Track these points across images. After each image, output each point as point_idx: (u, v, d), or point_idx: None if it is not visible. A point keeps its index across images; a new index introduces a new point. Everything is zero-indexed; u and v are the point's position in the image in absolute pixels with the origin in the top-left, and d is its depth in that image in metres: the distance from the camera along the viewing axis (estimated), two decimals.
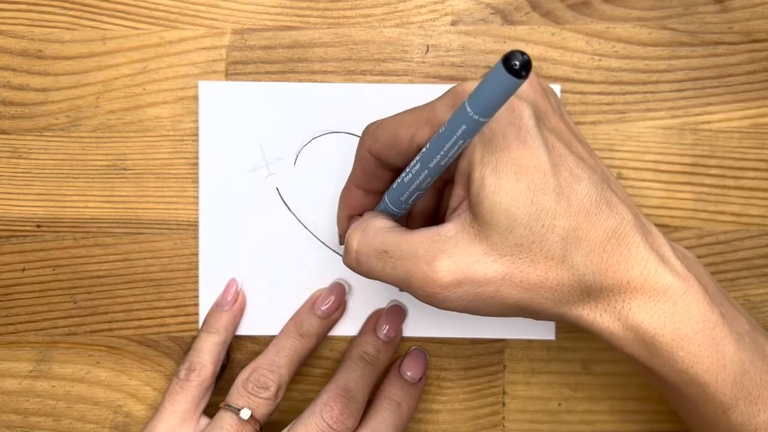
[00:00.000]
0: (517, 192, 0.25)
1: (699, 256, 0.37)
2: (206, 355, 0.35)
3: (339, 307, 0.37)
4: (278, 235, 0.37)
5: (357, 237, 0.29)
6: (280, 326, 0.37)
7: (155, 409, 0.35)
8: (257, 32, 0.37)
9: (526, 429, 0.38)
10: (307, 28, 0.37)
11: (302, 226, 0.37)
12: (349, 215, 0.33)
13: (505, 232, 0.26)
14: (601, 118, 0.37)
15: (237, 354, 0.38)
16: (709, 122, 0.37)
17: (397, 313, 0.37)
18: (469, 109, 0.24)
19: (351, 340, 0.37)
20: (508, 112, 0.26)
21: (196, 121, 0.37)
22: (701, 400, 0.27)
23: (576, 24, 0.37)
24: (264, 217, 0.37)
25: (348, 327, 0.38)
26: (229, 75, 0.37)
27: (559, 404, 0.38)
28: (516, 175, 0.26)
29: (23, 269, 0.38)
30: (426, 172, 0.27)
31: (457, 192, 0.28)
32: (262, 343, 0.38)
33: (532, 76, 0.28)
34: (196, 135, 0.37)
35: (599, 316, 0.26)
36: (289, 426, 0.33)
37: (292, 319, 0.37)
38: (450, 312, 0.27)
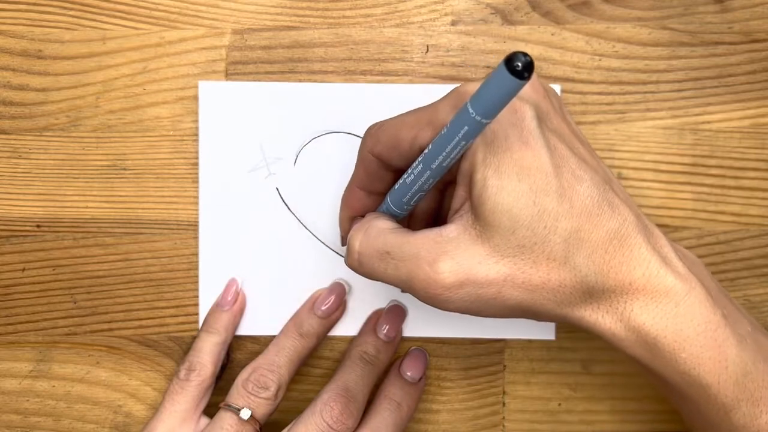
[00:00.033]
0: (519, 193, 0.25)
1: (699, 256, 0.36)
2: (206, 355, 0.35)
3: (339, 307, 0.37)
4: (278, 235, 0.37)
5: (359, 238, 0.29)
6: (280, 326, 0.37)
7: (155, 409, 0.35)
8: (257, 32, 0.37)
9: (526, 429, 0.37)
10: (307, 28, 0.37)
11: (302, 226, 0.37)
12: (351, 216, 0.33)
13: (507, 234, 0.25)
14: (601, 118, 0.37)
15: (237, 354, 0.37)
16: (709, 122, 0.37)
17: (397, 313, 0.37)
18: (471, 111, 0.24)
19: (351, 340, 0.37)
20: (510, 113, 0.26)
21: (196, 121, 0.37)
22: (703, 401, 0.26)
23: (576, 24, 0.37)
24: (264, 217, 0.37)
25: (348, 327, 0.37)
26: (229, 75, 0.37)
27: (559, 404, 0.37)
28: (518, 176, 0.25)
29: (23, 269, 0.37)
30: (428, 173, 0.27)
31: (459, 193, 0.28)
32: (262, 343, 0.37)
33: (533, 77, 0.27)
34: (196, 135, 0.37)
35: (601, 318, 0.26)
36: (289, 426, 0.33)
37: (292, 319, 0.37)
38: (450, 312, 0.27)
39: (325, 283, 0.37)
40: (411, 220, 0.33)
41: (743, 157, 0.37)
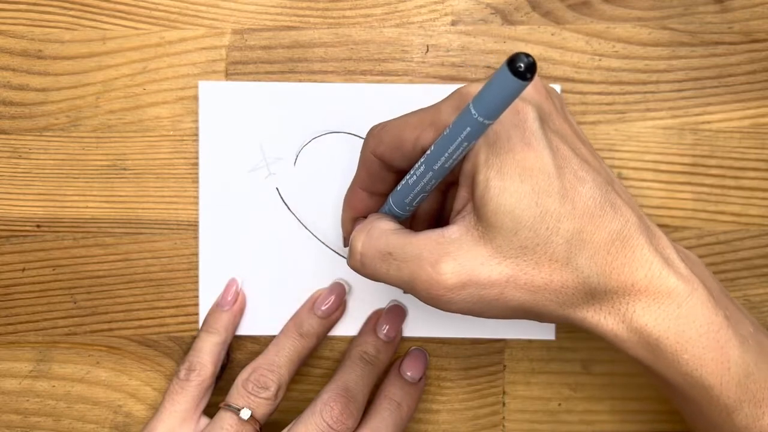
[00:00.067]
0: (521, 194, 0.25)
1: (699, 256, 0.36)
2: (206, 355, 0.35)
3: (339, 307, 0.36)
4: (278, 235, 0.37)
5: (361, 239, 0.29)
6: (280, 326, 0.36)
7: (155, 409, 0.34)
8: (257, 32, 0.37)
9: (526, 429, 0.37)
10: (307, 28, 0.37)
11: (302, 226, 0.37)
12: (353, 217, 0.33)
13: (509, 235, 0.25)
14: (601, 118, 0.36)
15: (237, 354, 0.37)
16: (709, 122, 0.36)
17: (397, 313, 0.36)
18: (473, 112, 0.23)
19: (351, 340, 0.37)
20: (512, 114, 0.26)
21: (196, 121, 0.36)
22: (705, 402, 0.26)
23: (576, 24, 0.36)
24: (264, 217, 0.37)
25: (348, 327, 0.37)
26: (229, 75, 0.36)
27: (559, 404, 0.37)
28: (520, 177, 0.25)
29: (23, 269, 0.37)
30: (430, 174, 0.27)
31: (462, 194, 0.27)
32: (262, 343, 0.37)
33: (536, 78, 0.27)
34: (196, 135, 0.37)
35: (603, 319, 0.26)
36: (289, 426, 0.33)
37: (292, 319, 0.36)
38: (452, 313, 0.27)
39: (325, 283, 0.37)
40: (413, 221, 0.33)
41: (743, 157, 0.36)
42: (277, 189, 0.37)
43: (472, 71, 0.37)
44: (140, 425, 0.37)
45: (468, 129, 0.24)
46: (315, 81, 0.37)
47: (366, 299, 0.37)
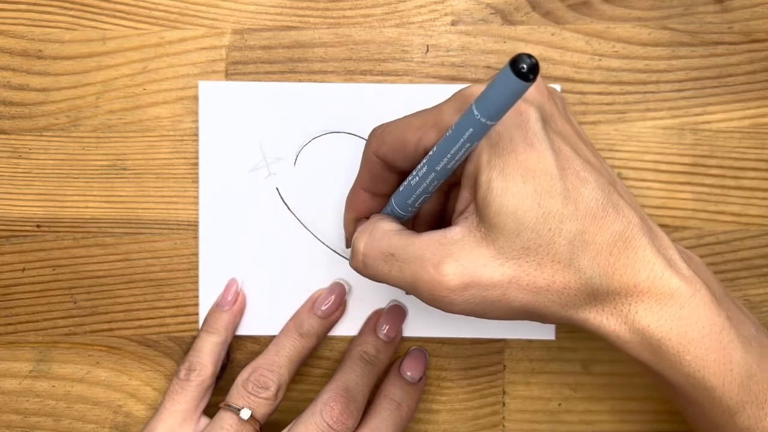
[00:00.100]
0: (524, 195, 0.25)
1: (699, 256, 0.35)
2: (206, 355, 0.34)
3: (339, 307, 0.36)
4: (278, 235, 0.36)
5: (364, 240, 0.28)
6: (280, 326, 0.36)
7: (155, 409, 0.34)
8: (257, 32, 0.36)
9: (526, 429, 0.37)
10: (307, 28, 0.36)
11: (302, 226, 0.36)
12: (355, 218, 0.32)
13: (512, 236, 0.25)
14: (601, 118, 0.36)
15: (237, 354, 0.37)
16: (709, 122, 0.36)
17: (397, 313, 0.36)
18: (476, 112, 0.23)
19: (351, 340, 0.36)
20: (515, 115, 0.26)
21: (196, 121, 0.36)
22: (708, 404, 0.26)
23: (576, 24, 0.36)
24: (264, 217, 0.36)
25: (348, 327, 0.36)
26: (229, 75, 0.36)
27: (559, 404, 0.36)
28: (523, 178, 0.25)
29: (23, 269, 0.36)
30: (433, 175, 0.27)
31: (464, 195, 0.27)
32: (262, 343, 0.36)
33: (538, 79, 0.27)
34: (196, 135, 0.36)
35: (606, 320, 0.26)
36: (289, 426, 0.32)
37: (292, 319, 0.36)
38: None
39: (325, 283, 0.36)
40: (415, 222, 0.32)
41: (743, 157, 0.36)
42: (277, 189, 0.36)
43: (472, 71, 0.36)
44: (140, 425, 0.37)
45: (470, 130, 0.24)
46: (315, 81, 0.36)
47: (366, 299, 0.36)
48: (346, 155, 0.36)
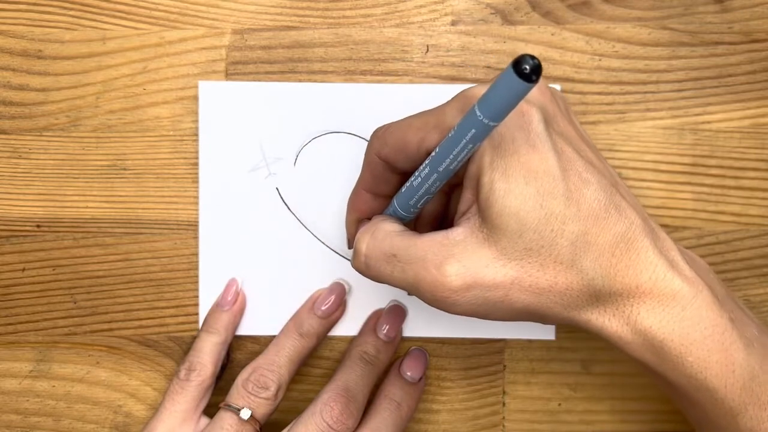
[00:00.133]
0: (526, 196, 0.24)
1: (699, 256, 0.35)
2: (206, 355, 0.34)
3: (339, 307, 0.36)
4: (278, 235, 0.36)
5: (366, 241, 0.28)
6: (280, 326, 0.36)
7: (155, 409, 0.34)
8: (257, 32, 0.36)
9: (526, 429, 0.36)
10: (307, 28, 0.36)
11: (302, 226, 0.36)
12: (357, 219, 0.32)
13: (514, 237, 0.25)
14: (601, 118, 0.35)
15: (237, 354, 0.36)
16: (709, 122, 0.35)
17: (397, 313, 0.36)
18: (478, 113, 0.23)
19: (351, 340, 0.36)
20: (517, 116, 0.25)
21: (196, 121, 0.36)
22: (710, 405, 0.25)
23: (576, 24, 0.35)
24: (264, 217, 0.36)
25: (348, 327, 0.36)
26: (229, 75, 0.36)
27: (559, 404, 0.36)
28: (525, 179, 0.25)
29: (23, 269, 0.36)
30: (435, 176, 0.26)
31: (466, 196, 0.27)
32: (262, 343, 0.36)
33: (540, 80, 0.26)
34: (196, 135, 0.36)
35: (608, 321, 0.25)
36: (289, 426, 0.32)
37: (292, 319, 0.36)
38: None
39: (325, 283, 0.36)
40: (417, 223, 0.32)
41: (743, 157, 0.35)
42: (277, 189, 0.36)
43: (472, 71, 0.36)
44: (140, 425, 0.36)
45: (473, 131, 0.24)
46: (315, 81, 0.36)
47: (366, 299, 0.36)
48: (346, 155, 0.35)
